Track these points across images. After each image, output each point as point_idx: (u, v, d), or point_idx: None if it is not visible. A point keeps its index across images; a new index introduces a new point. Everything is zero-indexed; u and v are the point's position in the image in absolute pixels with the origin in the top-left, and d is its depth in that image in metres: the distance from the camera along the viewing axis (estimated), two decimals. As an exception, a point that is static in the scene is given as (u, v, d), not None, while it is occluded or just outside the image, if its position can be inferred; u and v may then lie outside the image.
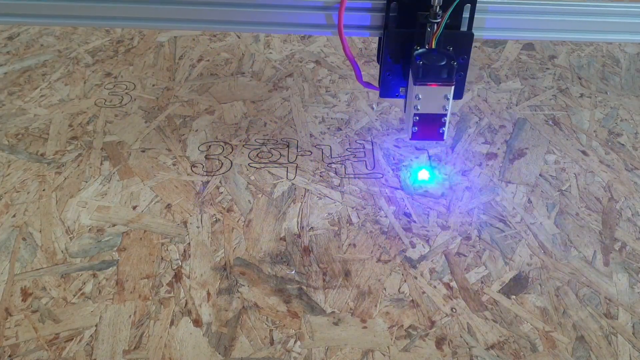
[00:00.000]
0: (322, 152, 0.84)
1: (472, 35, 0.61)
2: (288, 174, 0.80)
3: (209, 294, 0.63)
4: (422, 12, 0.59)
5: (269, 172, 0.80)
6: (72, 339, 0.59)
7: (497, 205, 0.75)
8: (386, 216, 0.73)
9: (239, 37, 1.14)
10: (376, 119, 0.91)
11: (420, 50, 0.59)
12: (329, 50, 1.10)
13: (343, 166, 0.81)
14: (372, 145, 0.85)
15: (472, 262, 0.68)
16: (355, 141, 0.86)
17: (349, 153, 0.84)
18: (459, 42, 0.61)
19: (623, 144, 0.87)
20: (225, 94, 0.97)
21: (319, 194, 0.77)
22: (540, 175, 0.80)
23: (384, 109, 0.93)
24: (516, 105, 0.95)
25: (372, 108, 0.94)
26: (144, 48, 1.09)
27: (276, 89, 0.98)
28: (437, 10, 0.58)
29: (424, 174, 0.80)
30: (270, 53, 1.09)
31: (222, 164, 0.81)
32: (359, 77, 0.67)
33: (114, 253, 0.68)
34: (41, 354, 0.57)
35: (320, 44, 1.12)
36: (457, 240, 0.70)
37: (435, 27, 0.58)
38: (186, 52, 1.08)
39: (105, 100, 0.94)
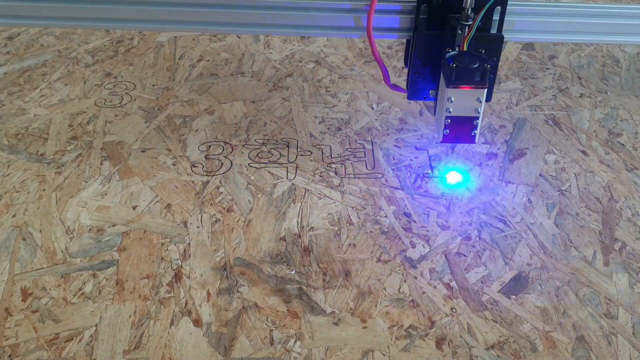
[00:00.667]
0: (322, 152, 0.84)
1: (502, 37, 0.61)
2: (288, 174, 0.80)
3: (209, 294, 0.63)
4: (453, 14, 0.59)
5: (269, 172, 0.80)
6: (72, 339, 0.59)
7: (497, 205, 0.75)
8: (386, 216, 0.73)
9: (239, 37, 1.14)
10: (376, 119, 0.91)
11: (452, 53, 0.59)
12: (329, 50, 1.10)
13: (343, 166, 0.81)
14: (372, 145, 0.85)
15: (472, 262, 0.68)
16: (355, 141, 0.86)
17: (349, 153, 0.84)
18: (489, 45, 0.60)
19: (623, 144, 0.87)
20: (225, 94, 0.97)
21: (319, 194, 0.77)
22: (540, 175, 0.80)
23: (384, 109, 0.93)
24: (516, 105, 0.95)
25: (372, 108, 0.94)
26: (144, 48, 1.09)
27: (276, 89, 0.98)
28: (469, 12, 0.57)
29: (455, 177, 0.79)
30: (270, 53, 1.09)
31: (222, 164, 0.81)
32: (387, 79, 0.67)
33: (114, 253, 0.68)
34: (41, 354, 0.57)
35: (320, 44, 1.12)
36: (457, 240, 0.70)
37: (467, 30, 0.58)
38: (186, 52, 1.08)
39: (105, 100, 0.94)
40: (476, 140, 0.62)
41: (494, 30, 0.61)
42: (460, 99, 0.58)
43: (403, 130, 0.89)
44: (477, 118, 0.60)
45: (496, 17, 0.61)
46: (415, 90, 0.66)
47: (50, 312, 0.61)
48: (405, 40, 0.67)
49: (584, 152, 0.85)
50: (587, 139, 0.88)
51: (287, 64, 1.05)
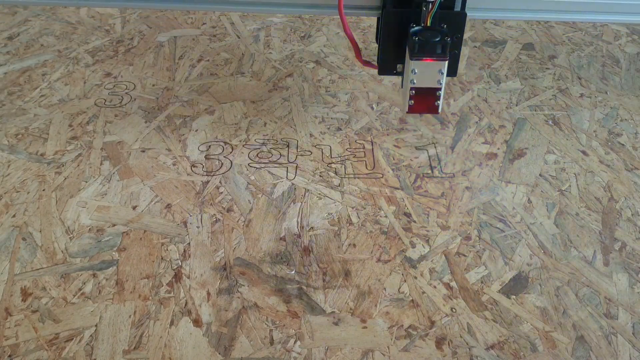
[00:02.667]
0: (322, 152, 0.84)
1: (465, 14, 0.64)
2: (288, 174, 0.80)
3: (208, 294, 0.63)
4: None
5: (269, 172, 0.80)
6: (72, 339, 0.59)
7: (497, 205, 0.75)
8: (386, 216, 0.73)
9: (239, 37, 1.14)
10: (376, 119, 0.91)
11: (416, 28, 0.62)
12: (329, 50, 1.10)
13: (343, 166, 0.81)
14: (372, 145, 0.85)
15: (472, 262, 0.68)
16: (355, 141, 0.86)
17: (349, 153, 0.84)
18: (453, 21, 0.63)
19: (623, 144, 0.87)
20: (225, 94, 0.97)
21: (319, 194, 0.77)
22: (540, 175, 0.80)
23: (384, 109, 0.93)
24: (516, 105, 0.95)
25: (372, 108, 0.94)
26: (144, 48, 1.09)
27: (276, 89, 0.98)
28: None
29: None
30: (270, 53, 1.09)
31: (222, 164, 0.81)
32: (358, 56, 0.70)
33: (113, 253, 0.68)
34: (41, 354, 0.57)
35: (320, 43, 1.12)
36: (457, 240, 0.70)
37: (430, 6, 0.61)
38: (186, 52, 1.08)
39: (105, 100, 0.94)
40: (439, 111, 0.66)
41: (458, 9, 0.64)
42: (423, 71, 0.62)
43: (403, 130, 0.89)
44: (440, 89, 0.63)
45: None
46: (385, 66, 0.69)
47: (50, 312, 0.61)
48: (376, 18, 0.70)
49: (584, 152, 0.85)
50: (587, 139, 0.88)
51: (287, 64, 1.05)
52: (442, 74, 0.62)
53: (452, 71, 0.66)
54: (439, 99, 0.64)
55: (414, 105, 0.65)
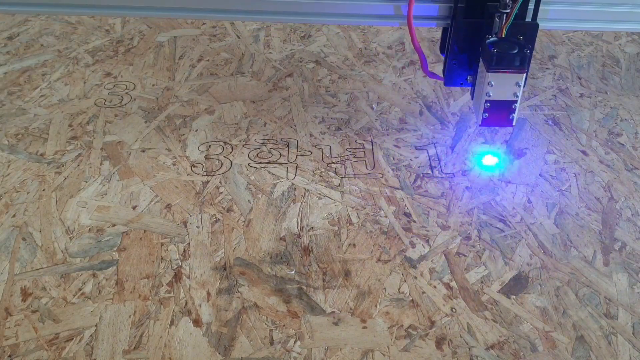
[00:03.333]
0: (322, 152, 0.84)
1: (538, 25, 0.63)
2: (288, 174, 0.80)
3: (208, 294, 0.63)
4: (492, 2, 0.62)
5: (269, 172, 0.80)
6: (72, 339, 0.59)
7: (497, 205, 0.75)
8: (386, 216, 0.73)
9: (239, 37, 1.14)
10: (376, 119, 0.91)
11: (492, 39, 0.61)
12: (329, 50, 1.10)
13: (343, 166, 0.81)
14: (372, 145, 0.85)
15: (472, 262, 0.68)
16: (355, 141, 0.86)
17: (349, 153, 0.84)
18: (525, 32, 0.63)
19: (623, 144, 0.87)
20: (225, 94, 0.97)
21: (319, 194, 0.77)
22: (540, 175, 0.80)
23: (384, 109, 0.93)
24: (516, 105, 0.95)
25: (372, 108, 0.94)
26: (144, 48, 1.09)
27: (276, 89, 0.98)
28: (507, 0, 0.60)
29: (490, 159, 0.81)
30: (270, 53, 1.09)
31: (222, 164, 0.81)
32: (424, 67, 0.69)
33: (113, 253, 0.68)
34: (41, 354, 0.57)
35: (320, 43, 1.12)
36: (457, 240, 0.70)
37: (505, 17, 0.61)
38: (186, 52, 1.08)
39: (105, 100, 0.94)
40: (514, 124, 0.65)
41: (528, 19, 0.64)
42: (500, 84, 0.61)
43: (403, 130, 0.89)
44: (516, 102, 0.62)
45: (531, 6, 0.63)
46: (452, 77, 0.68)
47: (50, 312, 0.61)
48: (441, 29, 0.69)
49: (583, 152, 0.85)
50: (587, 139, 0.88)
51: (287, 64, 1.05)
52: (520, 86, 0.61)
53: (524, 83, 0.65)
54: (514, 112, 0.63)
55: (489, 118, 0.64)
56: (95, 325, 0.60)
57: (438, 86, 0.99)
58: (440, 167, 0.81)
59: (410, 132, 0.88)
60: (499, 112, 0.63)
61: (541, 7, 0.63)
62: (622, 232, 0.72)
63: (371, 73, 1.03)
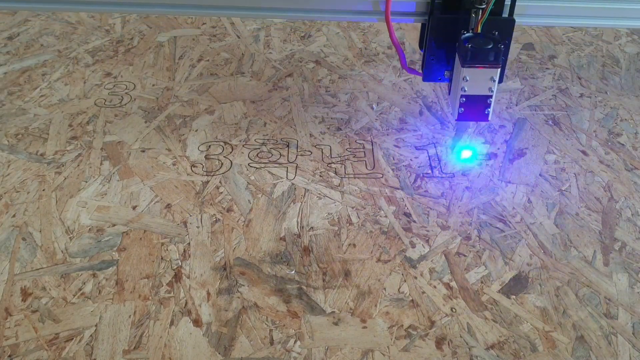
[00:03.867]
0: (322, 152, 0.84)
1: (514, 21, 0.63)
2: (288, 174, 0.80)
3: (208, 294, 0.63)
4: None
5: (268, 172, 0.80)
6: (72, 339, 0.59)
7: (497, 205, 0.75)
8: (386, 216, 0.73)
9: (239, 37, 1.14)
10: (376, 119, 0.91)
11: (467, 35, 0.62)
12: (329, 50, 1.10)
13: (343, 166, 0.81)
14: (372, 145, 0.85)
15: (472, 262, 0.68)
16: (355, 141, 0.86)
17: (349, 153, 0.84)
18: (501, 28, 0.63)
19: (623, 144, 0.87)
20: (225, 94, 0.97)
21: (319, 194, 0.77)
22: (540, 175, 0.80)
23: (384, 109, 0.93)
24: (516, 105, 0.95)
25: (372, 108, 0.94)
26: (144, 48, 1.09)
27: (276, 89, 0.98)
28: None
29: (466, 153, 0.82)
30: (270, 53, 1.09)
31: (222, 164, 0.81)
32: (403, 63, 0.70)
33: (113, 253, 0.68)
34: (41, 354, 0.57)
35: (320, 43, 1.12)
36: (457, 240, 0.70)
37: (481, 13, 0.61)
38: (186, 52, 1.08)
39: (105, 100, 0.94)
40: (489, 119, 0.65)
41: (505, 14, 0.64)
42: (474, 78, 0.61)
43: (403, 130, 0.89)
44: (491, 97, 0.63)
45: (508, 1, 0.64)
46: (430, 72, 0.69)
47: (50, 312, 0.61)
48: (420, 24, 0.70)
49: (583, 152, 0.85)
50: (587, 139, 0.88)
51: (287, 64, 1.05)
52: (494, 81, 0.61)
53: (500, 78, 0.66)
54: (489, 107, 0.64)
55: (464, 113, 0.64)
56: (95, 325, 0.60)
57: (438, 86, 0.99)
58: (440, 167, 0.81)
59: (410, 132, 0.88)
60: (474, 107, 0.64)
61: (518, 3, 0.64)
62: (622, 232, 0.72)
63: (371, 73, 1.03)
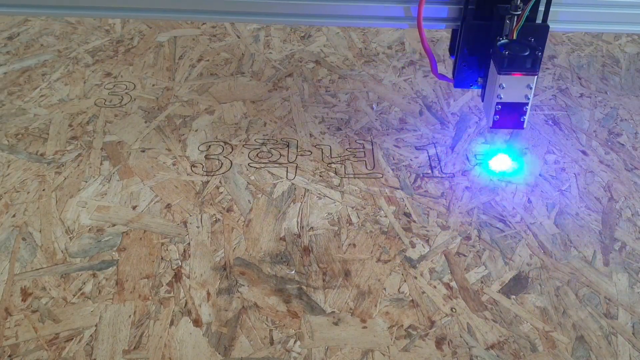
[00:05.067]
0: (322, 152, 0.84)
1: (548, 27, 0.63)
2: (288, 173, 0.80)
3: (208, 294, 0.63)
4: (502, 4, 0.61)
5: (268, 172, 0.80)
6: (72, 339, 0.59)
7: (497, 205, 0.75)
8: (386, 216, 0.73)
9: (239, 37, 1.14)
10: (376, 119, 0.91)
11: (503, 41, 0.61)
12: (329, 50, 1.10)
13: (343, 166, 0.81)
14: (372, 145, 0.85)
15: (472, 262, 0.68)
16: (355, 141, 0.86)
17: (349, 153, 0.84)
18: (536, 34, 0.62)
19: (623, 144, 0.87)
20: (225, 94, 0.97)
21: (319, 194, 0.77)
22: (540, 175, 0.80)
23: (384, 109, 0.93)
24: (516, 105, 0.95)
25: (372, 108, 0.94)
26: (144, 48, 1.09)
27: (276, 89, 0.98)
28: (518, 2, 0.60)
29: (503, 163, 0.78)
30: (270, 53, 1.09)
31: (222, 163, 0.81)
32: (434, 69, 0.69)
33: (113, 253, 0.68)
34: (41, 354, 0.57)
35: (320, 43, 1.12)
36: (457, 240, 0.70)
37: (516, 19, 0.60)
38: (186, 52, 1.08)
39: (105, 100, 0.94)
40: (525, 126, 0.64)
41: (539, 20, 0.64)
42: (511, 86, 0.61)
43: (403, 130, 0.89)
44: (527, 104, 0.62)
45: (541, 7, 0.63)
46: (462, 79, 0.68)
47: (50, 312, 0.61)
48: (451, 30, 0.69)
49: (583, 152, 0.85)
50: (587, 139, 0.88)
51: (287, 64, 1.05)
52: (531, 88, 0.61)
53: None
54: (525, 114, 0.63)
55: (499, 120, 0.63)
56: (95, 325, 0.60)
57: (438, 86, 0.99)
58: (440, 167, 0.81)
59: (410, 132, 0.88)
60: (509, 114, 0.63)
61: (552, 9, 0.63)
62: (622, 232, 0.72)
63: (371, 73, 1.03)
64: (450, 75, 0.71)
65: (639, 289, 0.65)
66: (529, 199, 0.76)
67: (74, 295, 0.63)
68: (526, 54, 0.59)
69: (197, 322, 0.60)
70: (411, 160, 0.83)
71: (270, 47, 1.10)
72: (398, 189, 0.78)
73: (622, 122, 0.91)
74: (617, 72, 1.05)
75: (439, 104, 0.95)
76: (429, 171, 0.81)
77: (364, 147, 0.85)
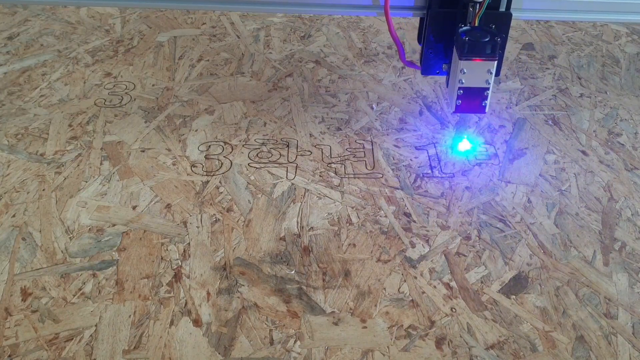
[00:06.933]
0: (322, 152, 0.84)
1: (511, 15, 0.64)
2: (288, 173, 0.80)
3: (208, 294, 0.63)
4: None
5: (268, 172, 0.80)
6: (72, 338, 0.59)
7: (497, 205, 0.75)
8: (386, 216, 0.73)
9: (239, 37, 1.14)
10: (376, 119, 0.91)
11: (465, 28, 0.63)
12: (329, 50, 1.10)
13: (343, 166, 0.81)
14: (372, 145, 0.85)
15: (472, 262, 0.68)
16: (355, 141, 0.86)
17: (349, 153, 0.84)
18: (498, 22, 0.64)
19: (623, 144, 0.87)
20: (225, 94, 0.97)
21: (319, 194, 0.77)
22: (540, 175, 0.80)
23: (384, 109, 0.93)
24: (516, 105, 0.95)
25: (372, 108, 0.94)
26: (144, 48, 1.09)
27: (276, 89, 0.98)
28: None
29: (465, 144, 0.83)
30: (270, 53, 1.09)
31: (222, 163, 0.81)
32: (402, 56, 0.70)
33: (113, 253, 0.68)
34: (41, 354, 0.57)
35: (320, 43, 1.12)
36: (457, 240, 0.70)
37: (478, 7, 0.62)
38: (186, 52, 1.08)
39: (105, 100, 0.94)
40: (486, 111, 0.66)
41: (502, 9, 0.65)
42: (472, 71, 0.62)
43: (403, 130, 0.89)
44: (488, 89, 0.64)
45: None
46: (428, 66, 0.70)
47: (50, 312, 0.61)
48: (419, 19, 0.71)
49: (583, 152, 0.85)
50: (587, 139, 0.88)
51: (287, 64, 1.05)
52: (491, 73, 0.62)
53: (497, 71, 0.67)
54: (486, 99, 0.65)
55: (461, 105, 0.65)
56: (95, 325, 0.60)
57: (438, 86, 0.99)
58: (440, 167, 0.81)
59: (410, 132, 0.88)
60: (471, 99, 0.65)
61: None
62: (622, 232, 0.72)
63: (371, 73, 1.03)
64: (418, 63, 0.72)
65: (639, 289, 0.65)
66: (529, 199, 0.76)
67: (74, 295, 0.63)
68: (486, 39, 0.61)
69: (197, 322, 0.60)
70: (411, 160, 0.83)
71: (270, 47, 1.10)
72: (398, 189, 0.78)
73: (622, 122, 0.91)
74: (617, 72, 1.05)
75: (439, 104, 0.95)
76: (429, 171, 0.81)
77: (364, 147, 0.85)
